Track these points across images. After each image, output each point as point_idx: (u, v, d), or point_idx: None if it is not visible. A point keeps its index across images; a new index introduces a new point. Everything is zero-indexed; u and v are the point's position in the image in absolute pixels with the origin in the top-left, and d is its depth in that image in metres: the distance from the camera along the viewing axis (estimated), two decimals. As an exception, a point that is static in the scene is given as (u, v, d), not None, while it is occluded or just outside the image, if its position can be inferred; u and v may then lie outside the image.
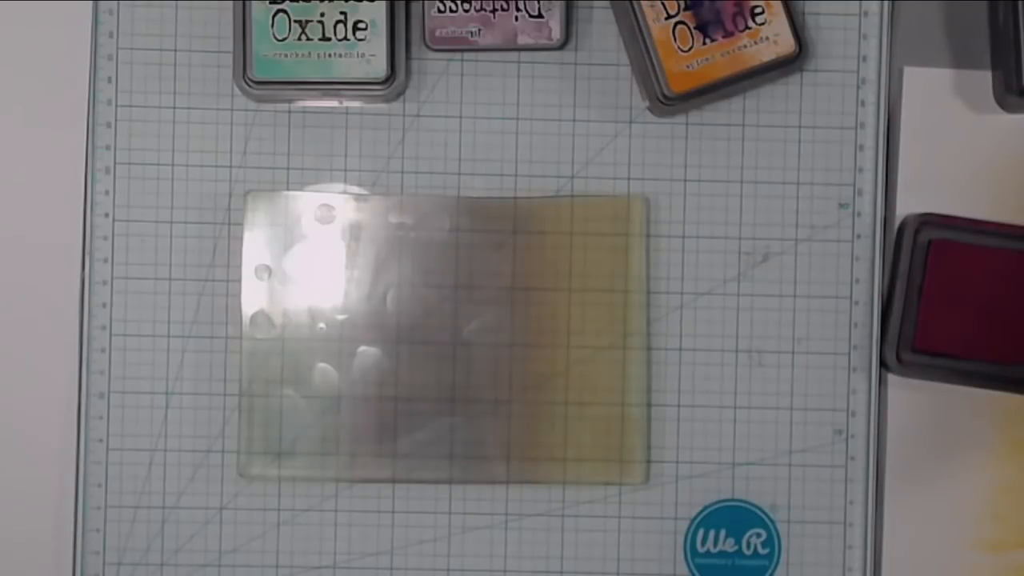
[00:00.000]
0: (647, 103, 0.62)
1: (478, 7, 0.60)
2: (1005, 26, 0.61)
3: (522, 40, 0.61)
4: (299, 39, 0.60)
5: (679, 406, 0.63)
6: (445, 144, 0.63)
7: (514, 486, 0.63)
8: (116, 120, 0.62)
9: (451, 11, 0.60)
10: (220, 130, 0.62)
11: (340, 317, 0.62)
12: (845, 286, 0.63)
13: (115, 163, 0.62)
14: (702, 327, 0.63)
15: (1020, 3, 0.60)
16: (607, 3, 0.62)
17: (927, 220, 0.62)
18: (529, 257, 0.62)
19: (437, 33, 0.61)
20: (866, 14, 0.63)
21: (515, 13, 0.61)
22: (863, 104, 0.63)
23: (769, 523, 0.63)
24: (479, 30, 0.60)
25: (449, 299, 0.62)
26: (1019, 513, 0.63)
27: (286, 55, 0.60)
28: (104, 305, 0.62)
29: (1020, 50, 0.60)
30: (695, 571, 0.63)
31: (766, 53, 0.60)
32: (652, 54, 0.60)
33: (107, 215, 0.62)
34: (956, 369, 0.62)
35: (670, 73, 0.60)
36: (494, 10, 0.60)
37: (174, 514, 0.62)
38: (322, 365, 0.62)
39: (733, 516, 0.63)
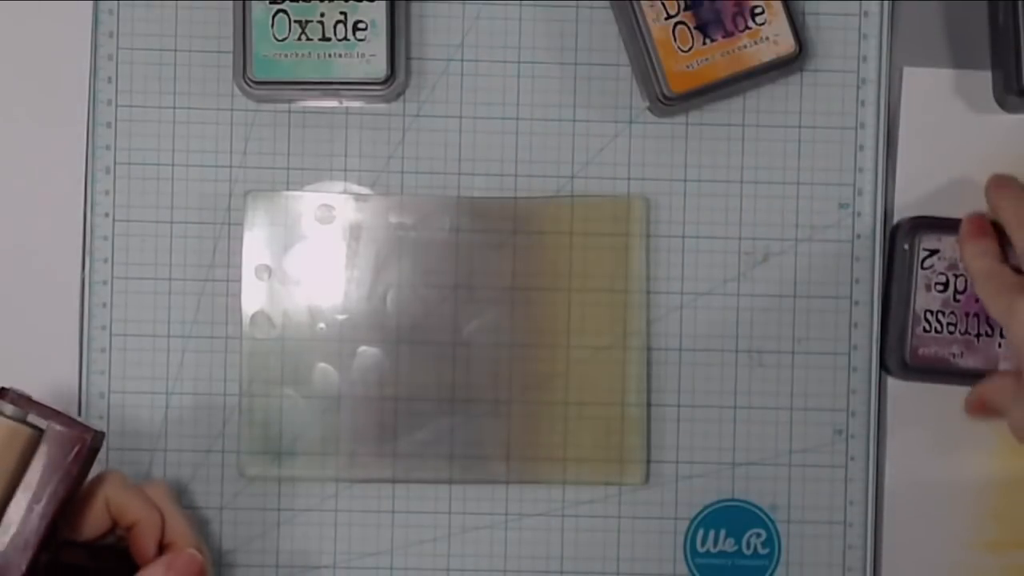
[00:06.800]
0: (647, 103, 0.62)
1: None
2: (1005, 26, 0.60)
3: None
4: (299, 39, 0.60)
5: (679, 406, 0.63)
6: (445, 144, 0.63)
7: (514, 486, 0.63)
8: (116, 120, 0.62)
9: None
10: (220, 130, 0.62)
11: (340, 317, 0.62)
12: (845, 286, 0.63)
13: (115, 163, 0.62)
14: (702, 327, 0.63)
15: (1020, 3, 0.60)
16: (607, 3, 0.62)
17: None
18: (529, 257, 0.62)
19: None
20: (866, 14, 0.63)
21: None
22: (863, 104, 0.63)
23: (769, 523, 0.63)
24: None
25: (449, 299, 0.62)
26: (1019, 513, 0.63)
27: (286, 55, 0.60)
28: (104, 305, 0.62)
29: (1020, 50, 0.60)
30: (695, 571, 0.63)
31: (766, 53, 0.60)
32: (652, 54, 0.60)
33: (107, 215, 0.62)
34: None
35: (670, 73, 0.60)
36: None
37: (174, 514, 0.62)
38: (322, 365, 0.62)
39: (733, 516, 0.63)
